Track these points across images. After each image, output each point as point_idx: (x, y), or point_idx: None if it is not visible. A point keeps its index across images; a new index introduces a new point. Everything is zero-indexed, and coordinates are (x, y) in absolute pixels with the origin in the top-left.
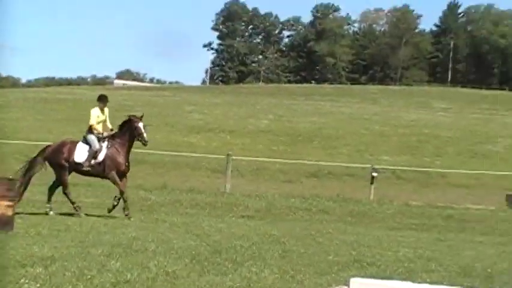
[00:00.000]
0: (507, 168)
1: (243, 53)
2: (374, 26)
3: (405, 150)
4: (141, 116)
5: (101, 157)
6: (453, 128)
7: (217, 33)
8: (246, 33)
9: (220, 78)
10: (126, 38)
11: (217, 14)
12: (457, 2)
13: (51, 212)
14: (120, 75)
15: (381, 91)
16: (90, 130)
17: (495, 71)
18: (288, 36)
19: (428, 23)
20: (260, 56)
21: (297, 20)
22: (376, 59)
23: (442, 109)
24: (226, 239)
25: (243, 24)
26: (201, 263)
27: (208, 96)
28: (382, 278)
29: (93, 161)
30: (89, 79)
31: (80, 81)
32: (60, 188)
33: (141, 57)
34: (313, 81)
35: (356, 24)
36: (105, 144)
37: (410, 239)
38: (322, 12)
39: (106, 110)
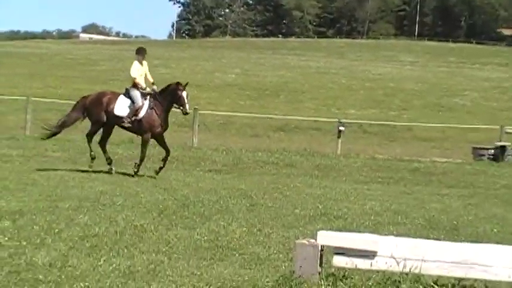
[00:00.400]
0: (473, 121)
1: (210, 6)
2: None
3: (372, 104)
4: (186, 84)
5: (141, 114)
6: (420, 82)
7: None
8: None
9: (186, 32)
10: None
11: None
12: None
13: (113, 167)
14: (86, 29)
15: (347, 45)
16: (134, 85)
17: (462, 24)
18: None
19: None
20: (227, 10)
21: None
22: (343, 12)
23: (408, 62)
24: (193, 193)
25: None
26: (169, 217)
27: (174, 50)
28: (349, 231)
29: (133, 117)
30: (54, 33)
31: (45, 35)
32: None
33: (107, 11)
34: (280, 35)
35: None
36: (147, 101)
37: (377, 192)
38: None
39: (145, 63)
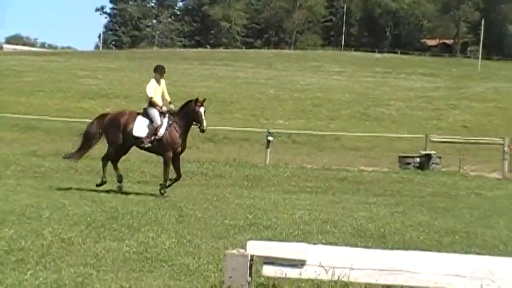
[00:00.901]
0: (399, 130)
1: (137, 17)
2: None
3: (300, 114)
4: (204, 100)
5: (161, 133)
6: (347, 92)
7: None
8: None
9: (113, 43)
10: (14, 1)
11: None
12: None
13: (123, 185)
14: (10, 40)
15: (276, 55)
16: (151, 104)
17: (387, 35)
18: (181, 0)
19: None
20: (154, 21)
21: None
22: (271, 23)
23: (335, 73)
24: (122, 204)
25: None
26: (97, 229)
27: (102, 61)
28: (278, 241)
29: (155, 137)
30: None
31: None
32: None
33: (31, 22)
34: (208, 46)
35: None
36: (166, 120)
37: (306, 202)
38: None
39: (163, 81)
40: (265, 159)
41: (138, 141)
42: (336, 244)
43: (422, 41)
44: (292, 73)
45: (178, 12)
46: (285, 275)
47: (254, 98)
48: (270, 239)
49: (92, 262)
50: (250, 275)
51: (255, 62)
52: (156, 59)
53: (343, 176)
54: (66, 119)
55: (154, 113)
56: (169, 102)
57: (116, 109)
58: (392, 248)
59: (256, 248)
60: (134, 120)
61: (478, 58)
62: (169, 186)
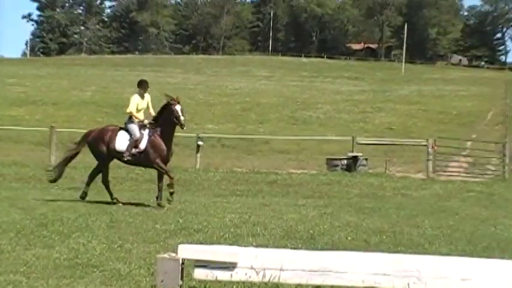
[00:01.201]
0: (327, 133)
1: (64, 24)
2: None
3: (229, 118)
4: (177, 98)
5: (142, 146)
6: (275, 96)
7: (36, 4)
8: (67, 4)
9: (41, 50)
10: None
11: None
12: None
13: (86, 198)
14: None
15: (204, 61)
16: (131, 118)
17: (313, 39)
18: (109, 7)
19: None
20: (82, 28)
21: None
22: (199, 28)
23: (264, 77)
24: (52, 211)
25: None
26: (27, 236)
27: (29, 69)
28: (209, 244)
29: (134, 150)
30: None
31: None
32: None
33: None
34: (136, 52)
35: None
36: (146, 131)
37: (236, 205)
38: None
39: (147, 96)
40: (195, 164)
41: (119, 155)
42: (266, 246)
43: (348, 45)
44: (221, 78)
45: (106, 19)
46: (216, 277)
47: (184, 103)
48: (201, 243)
49: (22, 270)
50: (181, 278)
51: (184, 68)
52: (84, 66)
53: (272, 179)
54: None
55: (132, 127)
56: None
57: (45, 117)
58: (321, 249)
59: (187, 251)
60: (116, 135)
61: (401, 62)
62: (159, 195)
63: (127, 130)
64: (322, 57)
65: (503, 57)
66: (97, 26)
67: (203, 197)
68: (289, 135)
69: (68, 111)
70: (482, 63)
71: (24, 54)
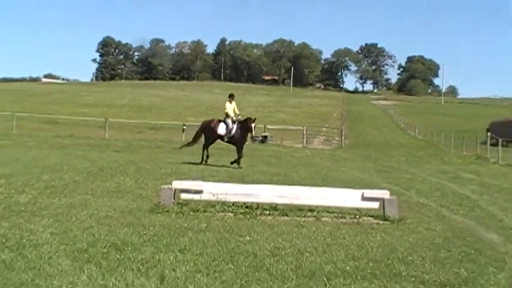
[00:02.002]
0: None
1: (113, 63)
2: None
3: (200, 114)
4: (254, 119)
5: (233, 132)
6: (224, 103)
7: (98, 54)
8: (115, 53)
9: (100, 77)
10: None
11: None
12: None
13: (208, 161)
14: None
15: (186, 85)
16: (227, 115)
17: (245, 74)
18: (137, 55)
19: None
20: (122, 65)
21: None
22: (185, 67)
23: (218, 93)
24: (106, 162)
25: None
26: (92, 175)
27: (94, 87)
28: (189, 181)
29: (229, 134)
30: None
31: None
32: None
33: None
34: (152, 79)
35: None
36: (235, 125)
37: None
38: None
39: (233, 103)
40: (182, 139)
41: (220, 137)
42: (218, 181)
43: (263, 77)
44: (195, 93)
45: (135, 61)
46: (193, 198)
47: (176, 108)
48: (185, 179)
49: (90, 192)
50: (174, 198)
51: (176, 87)
52: (123, 86)
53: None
54: None
55: (228, 121)
56: (238, 114)
57: (101, 112)
58: (247, 183)
59: (177, 184)
60: (219, 124)
61: (290, 86)
62: (238, 162)
63: (224, 122)
64: (248, 83)
65: (341, 85)
66: (130, 65)
67: (186, 156)
68: None
69: (114, 110)
70: (331, 87)
71: (91, 80)
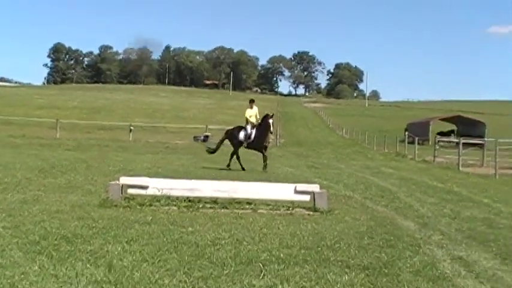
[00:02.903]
0: (194, 124)
1: (64, 68)
2: None
3: (145, 115)
4: (272, 115)
5: (252, 138)
6: (169, 106)
7: (49, 59)
8: (65, 58)
9: (52, 81)
10: None
11: None
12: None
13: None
14: None
15: (134, 88)
16: (246, 121)
17: (187, 78)
18: (87, 60)
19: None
20: (73, 70)
21: None
22: (132, 72)
23: (163, 96)
24: (57, 160)
25: None
26: (44, 172)
27: (45, 90)
28: (135, 176)
29: (248, 140)
30: None
31: None
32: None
33: None
34: (100, 83)
35: None
36: (254, 130)
37: (148, 158)
38: None
39: (255, 108)
40: (129, 138)
41: (241, 143)
42: (163, 177)
43: (204, 81)
44: (143, 96)
45: (85, 66)
46: (139, 193)
47: (127, 107)
48: (131, 176)
49: (42, 189)
50: (121, 193)
51: (124, 91)
52: (73, 90)
53: (167, 146)
54: None
55: (247, 127)
56: (259, 120)
57: (52, 114)
58: (191, 178)
59: (124, 180)
60: (240, 131)
61: (229, 90)
62: (264, 165)
63: (245, 128)
64: (191, 87)
65: (276, 89)
66: (80, 70)
67: (133, 155)
68: (177, 123)
69: (65, 111)
70: (267, 91)
71: (43, 83)
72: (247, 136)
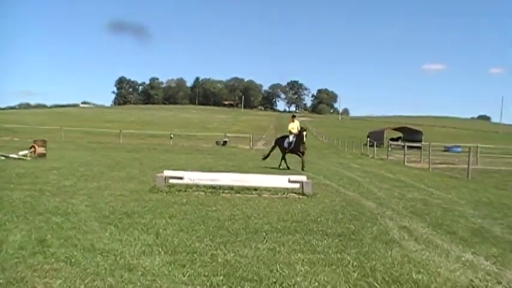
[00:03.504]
0: (217, 132)
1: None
2: None
3: (177, 126)
4: (306, 129)
5: (292, 144)
6: (198, 120)
7: (116, 88)
8: (127, 86)
9: (117, 103)
10: None
11: None
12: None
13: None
14: None
15: (175, 108)
16: (290, 132)
17: (211, 100)
18: (141, 88)
19: None
20: (131, 95)
21: None
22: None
23: (193, 113)
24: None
25: None
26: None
27: (114, 109)
28: (175, 170)
29: (289, 146)
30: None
31: None
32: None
33: None
34: (149, 104)
35: None
36: (294, 138)
37: (185, 158)
38: None
39: (296, 122)
40: (170, 142)
41: (285, 149)
42: (194, 171)
43: (223, 102)
44: (179, 113)
45: (139, 92)
46: (178, 182)
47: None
48: (172, 170)
49: (110, 179)
50: (165, 182)
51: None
52: (134, 109)
53: (195, 149)
54: None
55: (290, 136)
56: (299, 131)
57: (118, 126)
58: (213, 171)
59: (167, 173)
60: (284, 139)
61: (241, 108)
62: (303, 166)
63: (288, 137)
64: (214, 106)
65: (275, 107)
66: (136, 95)
67: (173, 155)
68: (204, 132)
69: (125, 124)
70: (268, 109)
71: (111, 105)
72: (290, 144)
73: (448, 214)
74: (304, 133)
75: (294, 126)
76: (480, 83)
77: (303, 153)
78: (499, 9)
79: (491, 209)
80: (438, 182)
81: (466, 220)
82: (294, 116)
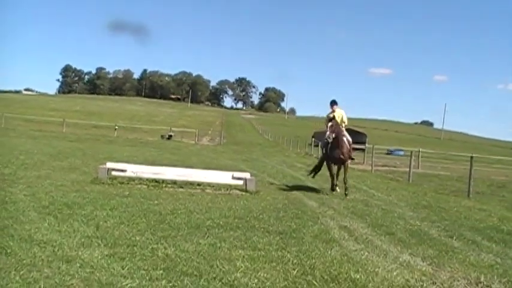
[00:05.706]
0: (162, 126)
1: (69, 81)
2: None
3: (123, 117)
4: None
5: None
6: (143, 113)
7: (61, 75)
8: (73, 74)
9: (61, 91)
10: None
11: None
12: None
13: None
14: None
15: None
16: (330, 121)
17: (158, 93)
18: (87, 77)
19: None
20: (76, 84)
21: None
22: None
23: (138, 105)
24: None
25: None
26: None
27: (57, 97)
28: (118, 162)
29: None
30: None
31: None
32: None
33: None
34: (96, 94)
35: None
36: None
37: (130, 150)
38: None
39: (338, 110)
40: (114, 134)
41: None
42: (139, 164)
43: (170, 96)
44: (124, 105)
45: (85, 81)
46: (120, 175)
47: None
48: (115, 162)
49: (51, 168)
50: (107, 174)
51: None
52: (78, 98)
53: (148, 144)
54: None
55: (326, 133)
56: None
57: (61, 115)
58: (157, 165)
59: (109, 165)
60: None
61: (188, 103)
62: (346, 189)
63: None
64: (160, 99)
65: (222, 103)
66: (82, 84)
67: (116, 147)
68: (149, 125)
69: (69, 114)
70: (215, 105)
71: (55, 93)
72: (325, 142)
73: (388, 215)
74: (332, 135)
75: (332, 115)
76: (424, 89)
77: (343, 163)
78: (445, 14)
79: (430, 212)
80: (379, 184)
81: (405, 222)
82: (331, 102)
